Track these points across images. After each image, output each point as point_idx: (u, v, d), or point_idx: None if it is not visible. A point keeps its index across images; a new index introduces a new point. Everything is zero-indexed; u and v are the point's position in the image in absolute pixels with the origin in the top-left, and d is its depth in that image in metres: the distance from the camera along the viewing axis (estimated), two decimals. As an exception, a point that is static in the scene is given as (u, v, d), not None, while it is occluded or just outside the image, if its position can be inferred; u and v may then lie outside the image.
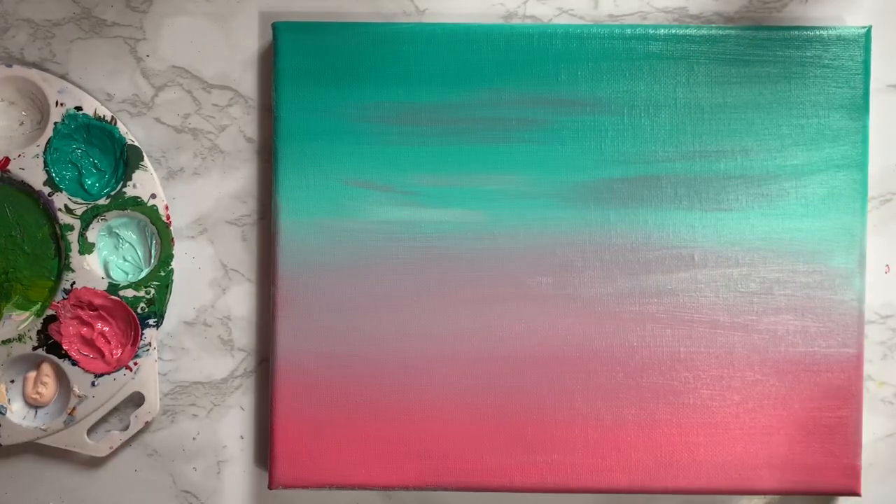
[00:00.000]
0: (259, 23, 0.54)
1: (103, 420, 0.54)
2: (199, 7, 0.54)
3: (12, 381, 0.54)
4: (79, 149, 0.54)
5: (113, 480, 0.55)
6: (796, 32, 0.52)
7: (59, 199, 0.53)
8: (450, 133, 0.52)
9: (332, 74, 0.52)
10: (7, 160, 0.53)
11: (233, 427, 0.55)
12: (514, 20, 0.54)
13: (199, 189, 0.55)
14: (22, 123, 0.54)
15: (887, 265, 0.55)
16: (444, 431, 0.52)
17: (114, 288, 0.53)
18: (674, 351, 0.52)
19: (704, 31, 0.52)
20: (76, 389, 0.53)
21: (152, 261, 0.54)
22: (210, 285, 0.55)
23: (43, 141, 0.53)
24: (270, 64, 0.54)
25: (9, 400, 0.53)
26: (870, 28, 0.52)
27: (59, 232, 0.53)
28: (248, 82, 0.54)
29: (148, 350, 0.53)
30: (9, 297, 0.54)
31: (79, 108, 0.53)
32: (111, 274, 0.54)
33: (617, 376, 0.52)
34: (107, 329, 0.54)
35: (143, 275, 0.53)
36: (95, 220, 0.53)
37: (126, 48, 0.54)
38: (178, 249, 0.54)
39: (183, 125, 0.54)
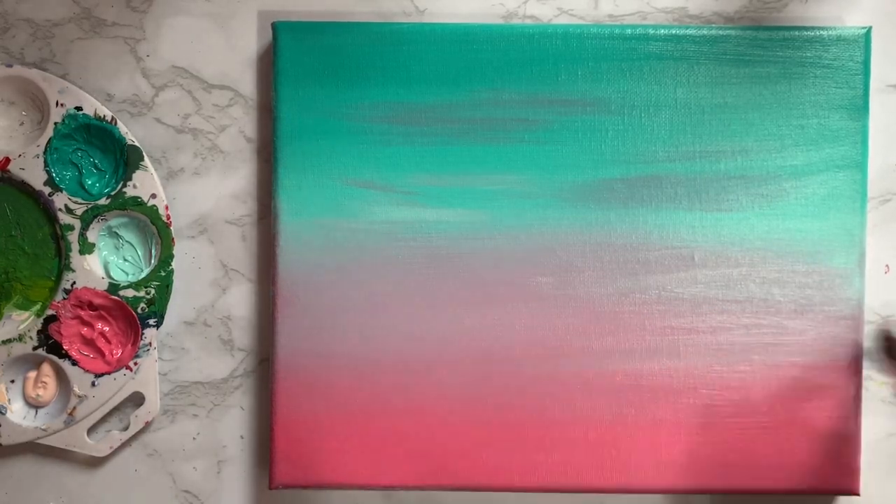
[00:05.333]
0: (259, 23, 0.54)
1: (103, 420, 0.54)
2: (199, 7, 0.54)
3: (12, 381, 0.54)
4: (79, 149, 0.54)
5: (113, 480, 0.55)
6: (796, 32, 0.52)
7: (60, 199, 0.53)
8: (450, 133, 0.52)
9: (332, 74, 0.52)
10: (7, 160, 0.53)
11: (233, 427, 0.55)
12: (514, 20, 0.54)
13: (199, 189, 0.55)
14: (22, 123, 0.54)
15: (887, 265, 0.55)
16: (444, 431, 0.52)
17: (114, 288, 0.53)
18: (674, 351, 0.52)
19: (704, 31, 0.52)
20: (76, 389, 0.53)
21: (152, 261, 0.54)
22: (210, 285, 0.55)
23: (43, 141, 0.53)
24: (270, 64, 0.54)
25: (9, 400, 0.53)
26: (870, 28, 0.52)
27: (59, 232, 0.53)
28: (248, 82, 0.54)
29: (148, 350, 0.53)
30: (9, 297, 0.54)
31: (79, 108, 0.53)
32: (111, 274, 0.54)
33: (617, 376, 0.52)
34: (107, 329, 0.54)
35: (143, 275, 0.53)
36: (95, 220, 0.53)
37: (126, 48, 0.54)
38: (178, 249, 0.54)
39: (183, 125, 0.54)
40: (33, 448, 0.55)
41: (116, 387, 0.53)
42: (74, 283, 0.53)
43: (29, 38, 0.54)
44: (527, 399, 0.52)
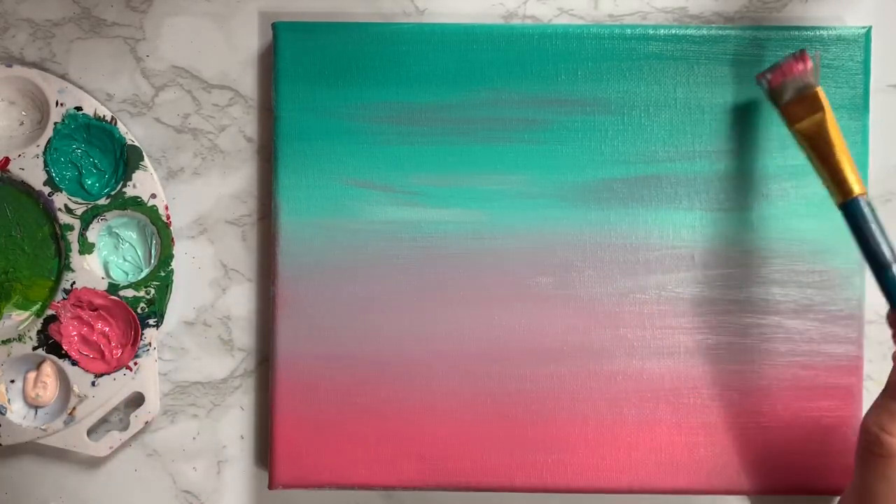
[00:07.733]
0: (259, 23, 0.54)
1: (103, 420, 0.54)
2: (199, 7, 0.54)
3: (12, 381, 0.54)
4: (79, 149, 0.54)
5: (113, 480, 0.55)
6: (796, 32, 0.52)
7: (59, 199, 0.53)
8: (450, 133, 0.52)
9: (332, 74, 0.52)
10: (7, 160, 0.53)
11: (233, 427, 0.55)
12: (514, 20, 0.54)
13: (199, 189, 0.55)
14: (22, 123, 0.54)
15: (887, 265, 0.55)
16: (444, 431, 0.52)
17: (114, 288, 0.53)
18: (674, 351, 0.52)
19: (704, 31, 0.52)
20: (76, 389, 0.53)
21: (152, 261, 0.54)
22: (210, 285, 0.55)
23: (43, 141, 0.53)
24: (270, 64, 0.54)
25: (9, 400, 0.53)
26: (870, 28, 0.52)
27: (59, 232, 0.53)
28: (248, 82, 0.54)
29: (148, 350, 0.53)
30: (9, 297, 0.54)
31: (79, 108, 0.53)
32: (111, 274, 0.54)
33: (617, 376, 0.52)
34: (107, 329, 0.54)
35: (143, 275, 0.53)
36: (95, 220, 0.53)
37: (126, 48, 0.54)
38: (178, 249, 0.54)
39: (183, 125, 0.54)
40: (33, 448, 0.55)
41: (116, 387, 0.53)
42: (74, 283, 0.53)
43: (29, 38, 0.54)
44: (527, 399, 0.52)
